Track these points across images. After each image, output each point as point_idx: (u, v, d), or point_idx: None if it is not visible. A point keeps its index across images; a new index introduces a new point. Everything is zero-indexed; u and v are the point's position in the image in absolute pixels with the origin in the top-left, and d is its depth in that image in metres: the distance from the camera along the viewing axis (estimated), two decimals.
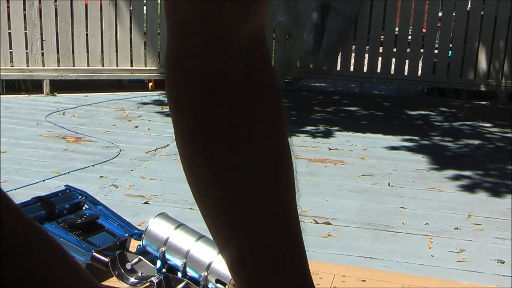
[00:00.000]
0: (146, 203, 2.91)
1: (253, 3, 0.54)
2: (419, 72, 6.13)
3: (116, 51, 5.75)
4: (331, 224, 2.74)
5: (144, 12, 5.89)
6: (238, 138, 0.57)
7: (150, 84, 6.47)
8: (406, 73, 6.17)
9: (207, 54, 0.55)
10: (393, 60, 6.15)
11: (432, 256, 2.45)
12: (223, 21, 0.53)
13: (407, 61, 6.15)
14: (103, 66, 5.79)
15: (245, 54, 0.56)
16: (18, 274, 0.46)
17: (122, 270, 1.80)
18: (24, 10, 5.41)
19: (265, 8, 0.56)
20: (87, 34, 5.65)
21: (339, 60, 6.27)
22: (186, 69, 0.56)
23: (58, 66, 5.61)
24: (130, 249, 1.97)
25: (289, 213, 0.61)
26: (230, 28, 0.54)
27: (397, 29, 6.19)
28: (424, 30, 6.23)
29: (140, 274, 1.82)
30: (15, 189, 2.94)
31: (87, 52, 5.69)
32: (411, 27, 6.16)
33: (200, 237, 1.78)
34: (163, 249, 1.79)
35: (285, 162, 0.61)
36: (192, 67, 0.56)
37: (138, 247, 1.91)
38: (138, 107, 5.21)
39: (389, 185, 3.33)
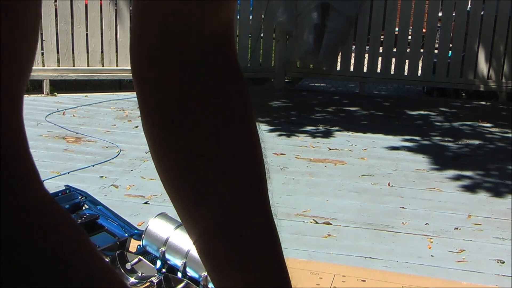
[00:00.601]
0: (146, 203, 2.91)
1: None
2: (419, 72, 6.13)
3: (116, 51, 5.75)
4: (331, 224, 2.74)
5: None
6: (198, 126, 0.57)
7: None
8: (406, 73, 6.17)
9: (162, 43, 0.56)
10: (393, 60, 6.15)
11: (432, 256, 2.45)
12: (188, 11, 0.54)
13: (407, 61, 6.15)
14: (103, 66, 5.79)
15: (211, 40, 0.57)
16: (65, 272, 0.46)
17: (122, 270, 1.80)
18: None
19: (231, 6, 0.57)
20: (87, 34, 5.65)
21: (339, 60, 6.27)
22: (144, 56, 0.57)
23: (58, 66, 5.61)
24: (130, 249, 1.97)
25: (261, 204, 0.60)
26: (196, 17, 0.55)
27: (397, 29, 6.19)
28: (424, 30, 6.22)
29: (140, 274, 1.82)
30: None
31: (87, 52, 5.69)
32: (411, 27, 6.16)
33: None
34: (163, 249, 1.79)
35: (254, 150, 0.60)
36: (149, 53, 0.57)
37: (138, 247, 1.91)
38: (138, 107, 5.19)
39: (389, 185, 3.33)
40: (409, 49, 6.15)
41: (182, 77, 0.57)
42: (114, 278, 0.50)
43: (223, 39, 0.58)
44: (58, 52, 5.59)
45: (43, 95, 5.56)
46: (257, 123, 0.60)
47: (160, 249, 1.80)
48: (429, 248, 2.53)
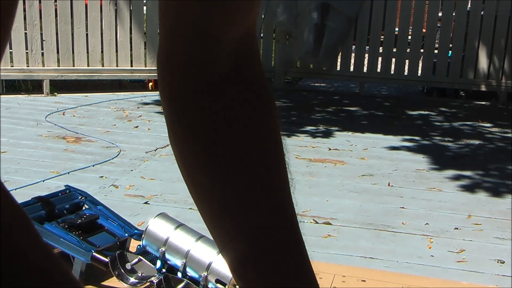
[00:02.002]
0: (146, 203, 2.91)
1: (241, 6, 0.55)
2: (419, 72, 6.13)
3: (116, 51, 5.75)
4: (331, 224, 2.74)
5: (144, 12, 5.89)
6: (226, 134, 0.58)
7: (150, 84, 6.46)
8: (406, 73, 6.17)
9: (192, 55, 0.57)
10: (393, 60, 6.15)
11: (432, 256, 2.45)
12: (210, 24, 0.55)
13: (407, 61, 6.15)
14: (103, 66, 5.79)
15: (233, 54, 0.57)
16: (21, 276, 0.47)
17: (122, 270, 1.80)
18: (24, 10, 5.41)
19: (254, 10, 0.57)
20: (87, 34, 5.65)
21: (339, 60, 6.27)
22: (173, 69, 0.58)
23: (58, 66, 5.61)
24: (130, 249, 1.97)
25: (288, 210, 0.61)
26: (217, 30, 0.55)
27: (397, 29, 6.19)
28: (424, 30, 6.22)
29: (140, 274, 1.82)
30: (15, 189, 2.93)
31: (87, 52, 5.69)
32: (411, 27, 6.16)
33: (200, 237, 1.78)
34: (163, 249, 1.79)
35: (278, 157, 0.62)
36: (178, 66, 0.57)
37: (138, 247, 1.91)
38: (138, 107, 5.21)
39: (389, 185, 3.33)
40: (409, 49, 6.15)
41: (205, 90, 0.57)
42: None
43: (243, 49, 0.58)
44: (58, 52, 5.59)
45: (43, 95, 5.55)
46: (282, 137, 0.62)
47: (160, 249, 1.80)
48: (429, 248, 2.53)
